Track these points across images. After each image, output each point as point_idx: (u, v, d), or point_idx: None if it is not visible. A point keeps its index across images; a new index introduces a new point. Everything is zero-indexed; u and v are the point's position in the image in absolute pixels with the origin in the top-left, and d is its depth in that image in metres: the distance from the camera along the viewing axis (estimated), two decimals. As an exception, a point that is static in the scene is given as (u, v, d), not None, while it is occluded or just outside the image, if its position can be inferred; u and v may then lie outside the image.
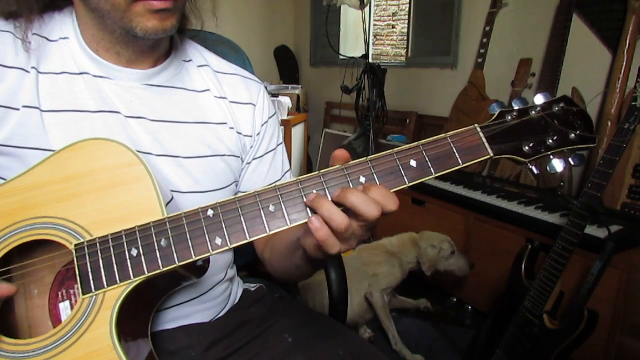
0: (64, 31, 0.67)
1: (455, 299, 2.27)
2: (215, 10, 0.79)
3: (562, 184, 2.06)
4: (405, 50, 3.24)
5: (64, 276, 0.62)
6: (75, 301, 0.60)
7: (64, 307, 0.61)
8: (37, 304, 0.61)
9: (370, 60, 2.86)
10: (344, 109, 3.31)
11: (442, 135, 0.56)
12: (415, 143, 0.55)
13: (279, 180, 0.85)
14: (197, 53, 0.80)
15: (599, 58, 2.07)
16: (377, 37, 3.59)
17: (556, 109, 0.57)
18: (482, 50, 2.51)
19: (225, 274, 0.84)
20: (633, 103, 1.26)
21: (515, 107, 0.58)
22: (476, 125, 0.56)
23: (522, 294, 1.46)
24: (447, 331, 2.03)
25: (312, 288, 1.85)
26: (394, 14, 3.46)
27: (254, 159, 0.82)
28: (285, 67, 3.99)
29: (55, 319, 0.60)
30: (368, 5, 3.15)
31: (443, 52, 2.89)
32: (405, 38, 3.23)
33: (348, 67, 3.08)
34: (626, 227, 1.61)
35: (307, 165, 3.68)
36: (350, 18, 3.69)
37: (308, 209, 0.53)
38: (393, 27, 3.49)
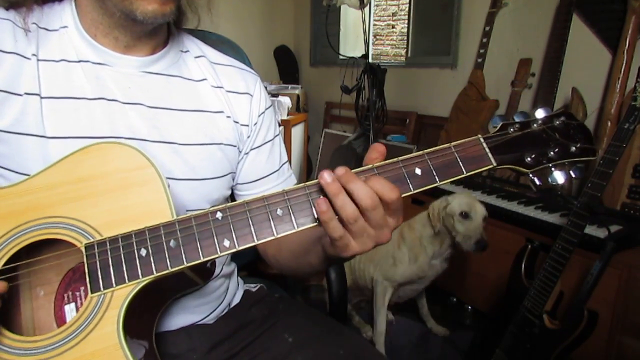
0: (64, 20, 0.68)
1: (455, 299, 2.27)
2: (210, 5, 0.79)
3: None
4: (405, 50, 3.24)
5: (70, 278, 0.62)
6: (81, 304, 0.60)
7: (69, 309, 0.61)
8: (43, 305, 0.61)
9: (370, 60, 2.86)
10: (344, 109, 3.31)
11: (447, 145, 0.57)
12: (420, 152, 0.57)
13: (276, 171, 0.86)
14: (193, 45, 0.80)
15: (599, 58, 2.07)
16: (377, 37, 3.59)
17: (557, 122, 0.59)
18: (482, 50, 2.52)
19: (221, 270, 0.84)
20: (633, 103, 1.26)
21: (517, 120, 0.59)
22: (479, 136, 0.58)
23: (522, 294, 1.46)
24: (447, 335, 2.03)
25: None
26: (394, 14, 3.47)
27: (251, 149, 0.82)
28: (285, 67, 3.99)
29: (60, 321, 0.60)
30: (368, 5, 3.14)
31: (443, 52, 2.89)
32: (405, 38, 3.23)
33: (348, 67, 3.08)
34: (626, 227, 1.62)
35: (307, 165, 3.68)
36: (350, 18, 3.69)
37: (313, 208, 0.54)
38: (393, 27, 3.49)
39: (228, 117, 0.78)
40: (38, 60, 0.65)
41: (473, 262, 2.14)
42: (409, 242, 1.86)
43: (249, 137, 0.81)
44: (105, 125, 0.67)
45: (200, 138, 0.74)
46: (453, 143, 0.57)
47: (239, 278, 0.93)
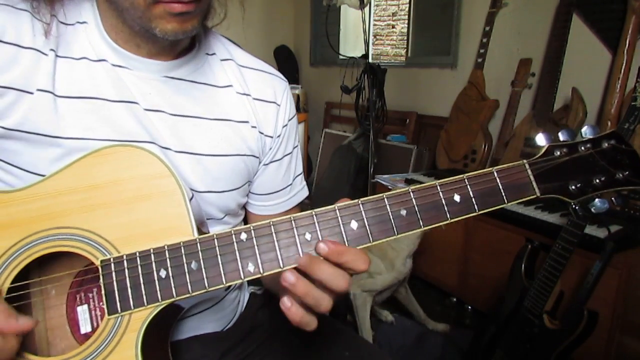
0: (83, 15, 0.64)
1: (455, 299, 2.27)
2: (243, 1, 0.75)
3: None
4: (405, 50, 3.24)
5: (82, 279, 0.60)
6: (94, 306, 0.60)
7: (82, 310, 0.59)
8: (55, 306, 0.60)
9: (370, 60, 2.85)
10: (344, 109, 3.31)
11: (489, 169, 0.54)
12: (460, 176, 0.53)
13: (289, 185, 0.83)
14: (221, 46, 0.76)
15: (599, 58, 2.07)
16: (377, 37, 3.59)
17: (606, 145, 0.55)
18: (482, 50, 2.52)
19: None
20: (633, 103, 1.26)
21: (563, 139, 0.56)
22: (525, 161, 0.54)
23: (522, 294, 1.46)
24: (447, 331, 2.03)
25: None
26: (394, 14, 3.47)
27: (272, 161, 0.79)
28: (285, 67, 3.99)
29: (73, 323, 0.59)
30: (368, 5, 3.14)
31: (443, 52, 2.90)
32: (405, 38, 3.24)
33: (348, 67, 3.08)
34: (626, 227, 1.62)
35: (307, 165, 3.69)
36: (350, 18, 3.69)
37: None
38: (393, 27, 3.49)
39: (253, 127, 0.74)
40: (57, 56, 0.61)
41: (473, 262, 2.14)
42: (376, 253, 1.86)
43: (270, 148, 0.78)
44: (126, 129, 0.64)
45: (223, 149, 0.71)
46: (496, 168, 0.54)
47: (244, 282, 0.93)
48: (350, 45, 3.72)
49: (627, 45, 1.88)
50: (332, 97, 3.56)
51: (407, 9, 3.21)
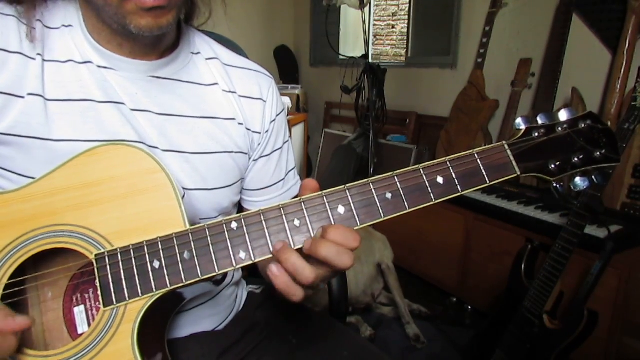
0: (68, 19, 0.65)
1: (455, 299, 2.27)
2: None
3: (562, 183, 2.07)
4: (405, 50, 3.24)
5: (78, 280, 0.61)
6: (91, 306, 0.60)
7: (78, 311, 0.60)
8: (51, 308, 0.60)
9: (370, 60, 2.85)
10: (344, 109, 3.32)
11: (470, 152, 0.55)
12: (442, 159, 0.55)
13: (282, 180, 0.84)
14: (206, 45, 0.76)
15: (599, 58, 2.07)
16: (377, 37, 3.59)
17: (582, 125, 0.57)
18: (482, 50, 2.52)
19: (232, 278, 0.84)
20: (633, 103, 1.27)
21: (541, 122, 0.57)
22: (504, 142, 0.56)
23: (522, 294, 1.46)
24: (447, 331, 2.03)
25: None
26: (394, 14, 3.47)
27: (261, 156, 0.80)
28: (285, 67, 3.99)
29: (70, 324, 0.60)
30: (368, 5, 3.14)
31: (443, 52, 2.90)
32: (405, 38, 3.24)
33: (348, 67, 3.08)
34: (626, 227, 1.62)
35: (307, 165, 3.69)
36: (350, 18, 3.69)
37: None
38: (393, 27, 3.50)
39: (240, 124, 0.75)
40: (44, 60, 0.62)
41: (473, 262, 2.15)
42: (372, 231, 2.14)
43: (259, 144, 0.79)
44: (114, 129, 0.65)
45: (210, 146, 0.72)
46: (476, 150, 0.55)
47: (243, 280, 0.93)
48: (350, 45, 3.72)
49: (627, 45, 1.88)
50: (332, 97, 3.55)
51: (407, 9, 3.21)
